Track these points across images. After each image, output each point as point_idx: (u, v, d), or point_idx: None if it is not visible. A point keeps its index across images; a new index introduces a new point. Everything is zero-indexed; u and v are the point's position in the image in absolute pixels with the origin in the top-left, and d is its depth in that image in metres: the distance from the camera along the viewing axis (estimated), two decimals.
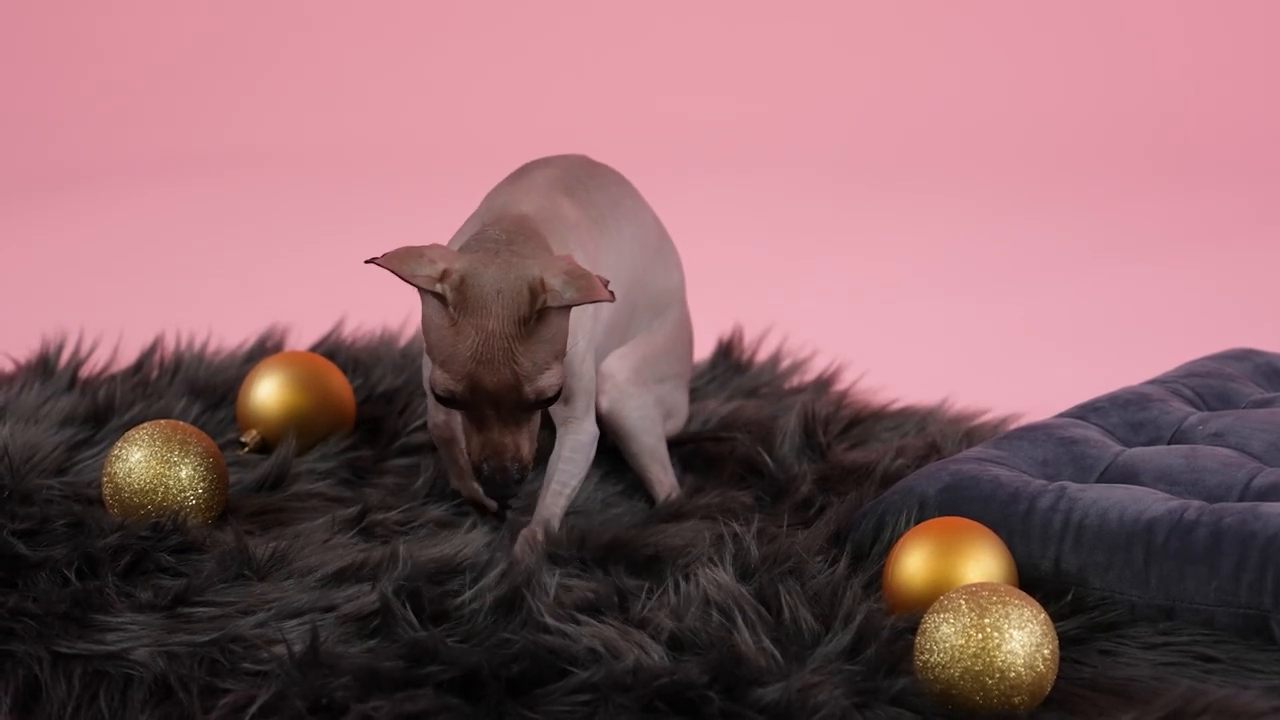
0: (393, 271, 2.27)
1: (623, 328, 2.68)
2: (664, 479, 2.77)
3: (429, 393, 2.60)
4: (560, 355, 2.31)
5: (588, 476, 2.74)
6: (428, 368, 2.52)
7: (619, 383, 2.72)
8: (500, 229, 2.37)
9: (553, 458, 2.57)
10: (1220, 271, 4.36)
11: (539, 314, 2.27)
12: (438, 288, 2.27)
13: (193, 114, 5.33)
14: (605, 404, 2.73)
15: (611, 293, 2.28)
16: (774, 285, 4.16)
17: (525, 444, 2.32)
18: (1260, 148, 5.10)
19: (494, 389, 2.28)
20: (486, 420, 2.31)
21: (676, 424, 2.86)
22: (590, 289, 2.26)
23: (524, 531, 2.53)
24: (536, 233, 2.39)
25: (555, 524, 2.54)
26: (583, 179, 2.62)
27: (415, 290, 2.34)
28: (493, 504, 2.65)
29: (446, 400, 2.31)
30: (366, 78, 5.45)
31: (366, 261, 2.28)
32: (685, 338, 2.85)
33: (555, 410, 2.56)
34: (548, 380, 2.29)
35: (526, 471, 2.32)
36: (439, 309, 2.28)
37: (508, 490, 2.33)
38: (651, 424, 2.76)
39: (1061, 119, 5.35)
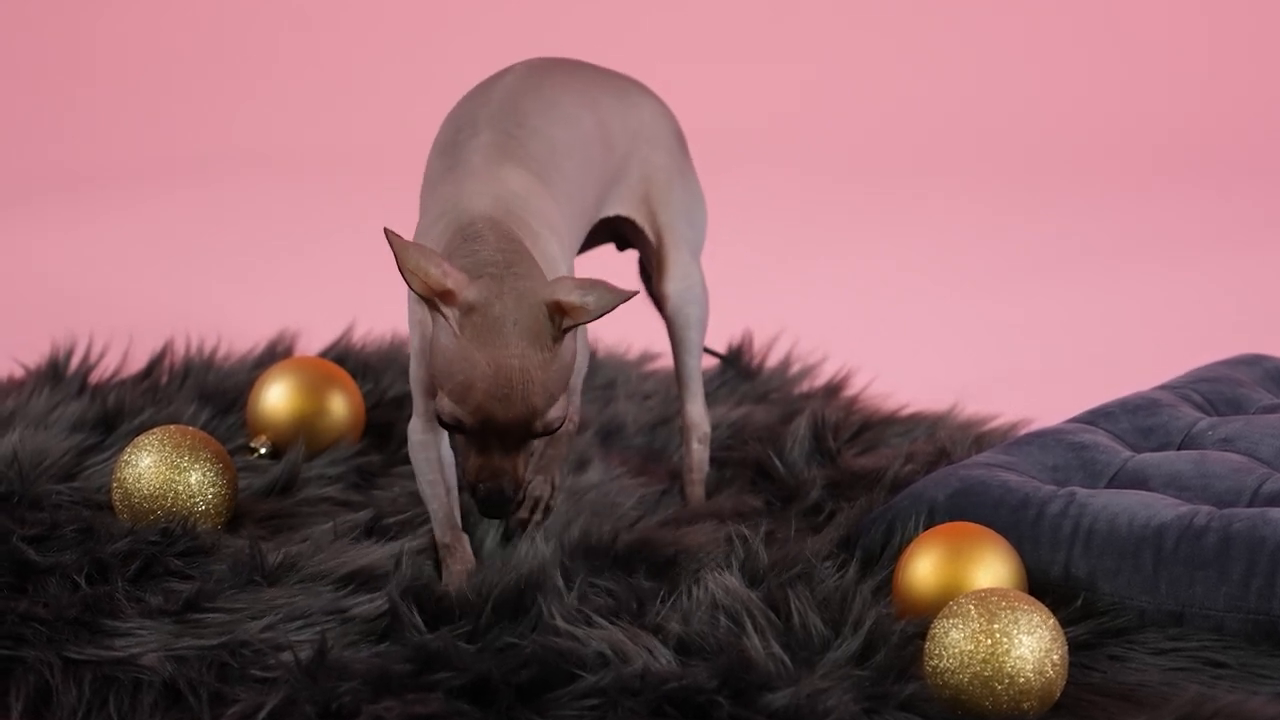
0: (397, 258, 2.21)
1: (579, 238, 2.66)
2: (699, 396, 2.82)
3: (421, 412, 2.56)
4: (568, 383, 2.28)
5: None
6: (418, 380, 2.49)
7: (684, 259, 2.76)
8: (491, 246, 2.31)
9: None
10: (1230, 276, 4.35)
11: (561, 336, 2.24)
12: (442, 307, 2.22)
13: (201, 117, 5.33)
14: (671, 287, 2.75)
15: (632, 291, 2.25)
16: (783, 290, 4.16)
17: (522, 466, 2.29)
18: (1272, 151, 5.09)
19: (505, 424, 2.25)
20: (488, 445, 2.28)
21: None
22: (611, 293, 2.23)
23: (536, 483, 2.55)
24: (518, 239, 2.35)
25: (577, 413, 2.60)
26: (512, 132, 2.54)
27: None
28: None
29: (451, 427, 2.27)
30: (376, 79, 5.45)
31: (386, 230, 2.23)
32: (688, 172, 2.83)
33: None
34: (555, 413, 2.26)
35: (520, 490, 2.30)
36: (448, 332, 2.24)
37: (502, 510, 2.31)
38: (705, 314, 2.80)
39: (1073, 122, 5.34)
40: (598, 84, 2.73)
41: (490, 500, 2.28)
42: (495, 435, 2.26)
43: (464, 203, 2.41)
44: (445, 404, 2.25)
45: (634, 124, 2.74)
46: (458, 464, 2.52)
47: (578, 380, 2.57)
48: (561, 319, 2.23)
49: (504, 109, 2.57)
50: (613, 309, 2.24)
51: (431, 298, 2.23)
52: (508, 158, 2.49)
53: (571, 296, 2.23)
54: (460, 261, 2.29)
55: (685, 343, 2.80)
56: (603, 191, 2.68)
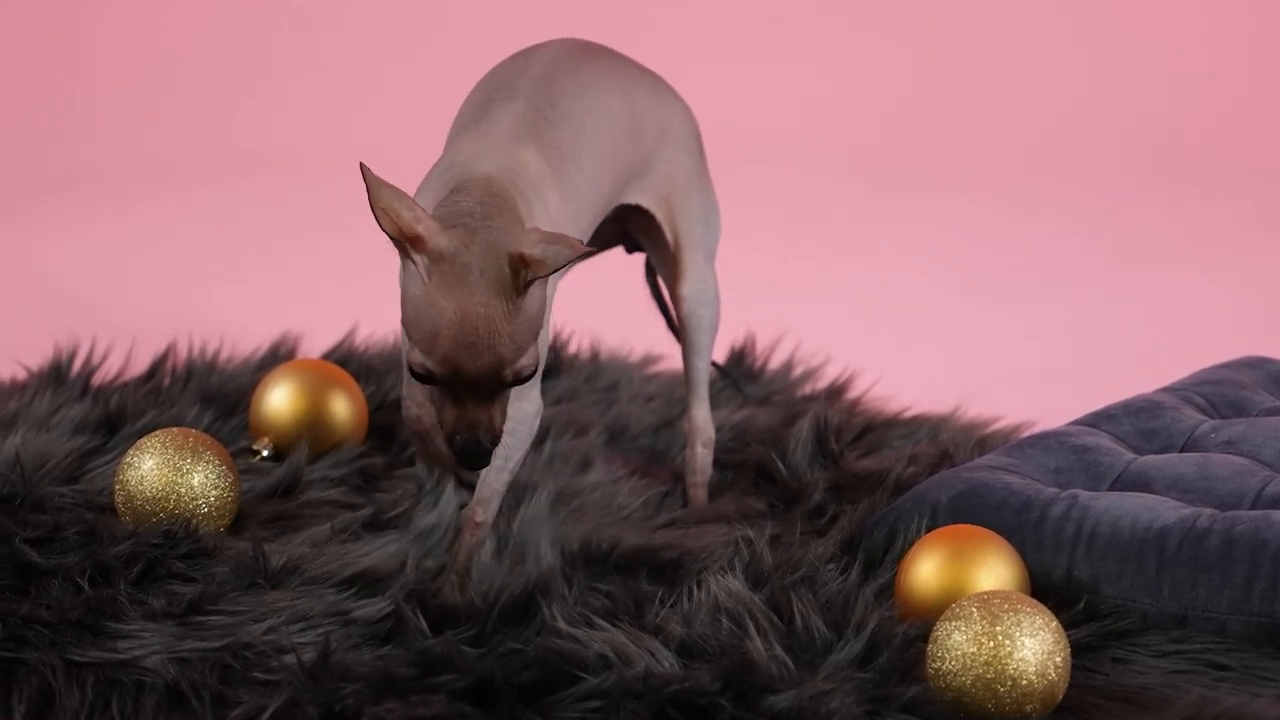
0: (370, 194, 2.21)
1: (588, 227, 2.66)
2: (705, 400, 2.85)
3: (406, 378, 2.58)
4: (537, 333, 2.29)
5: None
6: (408, 344, 2.50)
7: (699, 262, 2.79)
8: (473, 198, 2.32)
9: None
10: (1233, 279, 4.35)
11: (524, 287, 2.24)
12: (411, 253, 2.22)
13: (201, 117, 5.33)
14: (687, 289, 2.78)
15: (590, 249, 2.26)
16: (785, 292, 4.16)
17: (498, 416, 2.29)
18: (1272, 152, 5.09)
19: (474, 373, 2.25)
20: (461, 396, 2.28)
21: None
22: (569, 248, 2.23)
23: (464, 513, 2.52)
24: (507, 196, 2.35)
25: (495, 504, 2.53)
26: (545, 110, 2.55)
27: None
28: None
29: (423, 377, 2.27)
30: (376, 79, 5.45)
31: (361, 165, 2.23)
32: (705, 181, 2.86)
33: None
34: (526, 360, 2.27)
35: (498, 441, 2.30)
36: (417, 279, 2.24)
37: (480, 461, 2.31)
38: (717, 318, 2.83)
39: (1073, 122, 5.34)
40: (633, 75, 2.76)
41: (468, 451, 2.28)
42: (467, 386, 2.26)
43: (473, 163, 2.43)
44: (415, 355, 2.26)
45: (664, 120, 2.76)
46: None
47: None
48: (524, 270, 2.23)
49: (543, 82, 2.59)
50: (568, 264, 2.24)
51: (401, 240, 2.23)
52: (533, 138, 2.50)
53: (534, 250, 2.23)
54: (440, 210, 2.29)
55: (696, 345, 2.82)
56: (620, 183, 2.69)
